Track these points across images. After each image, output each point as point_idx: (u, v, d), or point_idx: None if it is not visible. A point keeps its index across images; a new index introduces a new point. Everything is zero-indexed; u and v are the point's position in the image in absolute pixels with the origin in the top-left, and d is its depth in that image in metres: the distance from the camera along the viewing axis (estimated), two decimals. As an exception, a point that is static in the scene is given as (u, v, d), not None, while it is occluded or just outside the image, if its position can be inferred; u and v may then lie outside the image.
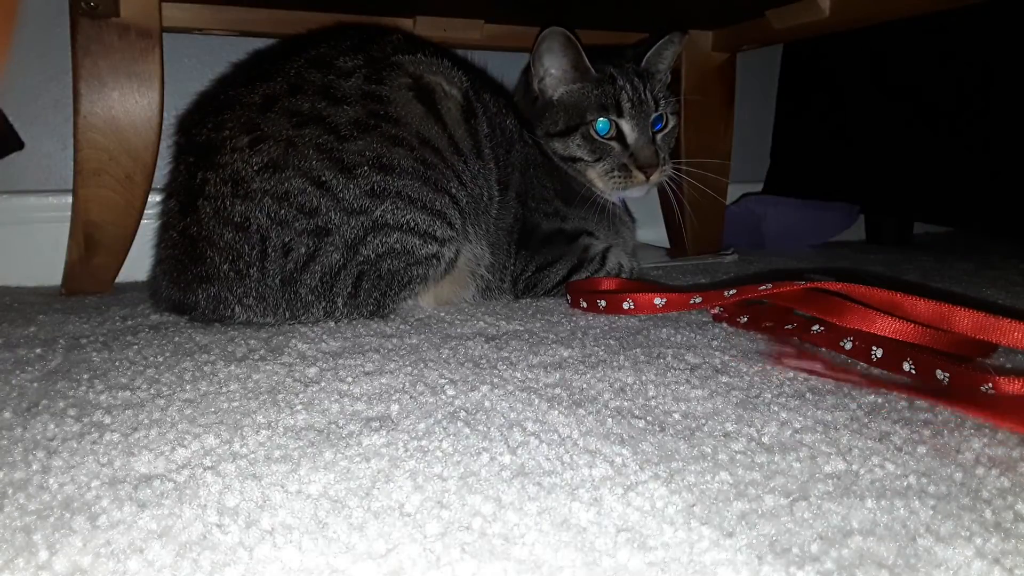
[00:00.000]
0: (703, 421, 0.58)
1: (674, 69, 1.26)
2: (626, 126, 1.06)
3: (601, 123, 1.05)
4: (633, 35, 1.39)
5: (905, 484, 0.48)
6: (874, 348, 0.71)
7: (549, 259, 1.06)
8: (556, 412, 0.60)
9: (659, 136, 1.10)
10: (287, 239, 0.84)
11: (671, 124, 1.12)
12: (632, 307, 0.90)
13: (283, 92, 0.88)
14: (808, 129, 1.66)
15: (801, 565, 0.39)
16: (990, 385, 0.60)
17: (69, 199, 1.06)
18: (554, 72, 1.08)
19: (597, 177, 1.08)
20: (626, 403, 0.62)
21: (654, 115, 1.08)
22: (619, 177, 1.07)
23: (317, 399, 0.62)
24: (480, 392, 0.64)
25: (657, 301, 0.88)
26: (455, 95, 0.97)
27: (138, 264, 1.09)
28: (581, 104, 1.07)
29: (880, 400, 0.63)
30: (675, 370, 0.71)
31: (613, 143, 1.06)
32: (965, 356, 0.72)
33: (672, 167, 1.11)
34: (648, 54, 1.10)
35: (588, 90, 1.07)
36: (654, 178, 1.07)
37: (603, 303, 0.92)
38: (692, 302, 0.87)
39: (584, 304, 0.95)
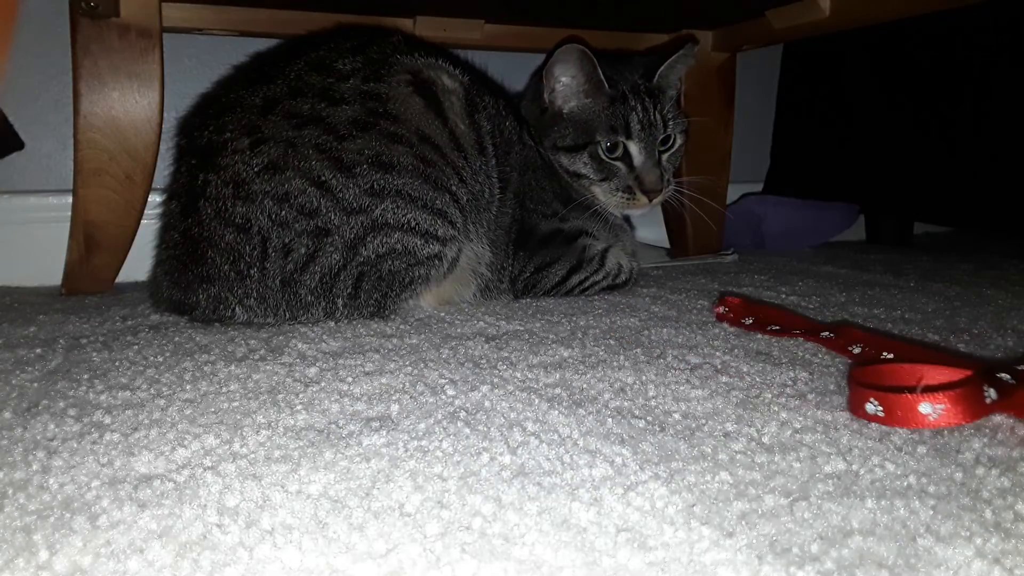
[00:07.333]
0: (703, 421, 0.58)
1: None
2: (634, 148, 1.04)
3: (610, 144, 1.03)
4: (632, 35, 1.39)
5: (905, 484, 0.48)
6: (884, 355, 0.70)
7: (548, 260, 1.06)
8: (556, 412, 0.60)
9: (665, 156, 1.07)
10: (287, 240, 0.84)
11: (678, 143, 1.09)
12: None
13: (283, 94, 0.88)
14: (808, 129, 1.66)
15: (801, 565, 0.39)
16: (991, 390, 0.59)
17: (69, 199, 1.06)
18: (567, 83, 1.05)
19: (601, 194, 1.06)
20: (626, 403, 0.62)
21: (662, 136, 1.06)
22: (623, 198, 1.05)
23: (317, 399, 0.62)
24: (480, 392, 0.64)
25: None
26: (457, 89, 0.97)
27: (138, 264, 1.10)
28: (591, 122, 1.04)
29: (880, 400, 0.63)
30: (675, 370, 0.71)
31: (619, 164, 1.04)
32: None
33: (674, 187, 1.10)
34: (661, 69, 1.06)
35: (600, 108, 1.04)
36: (657, 200, 1.06)
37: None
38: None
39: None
